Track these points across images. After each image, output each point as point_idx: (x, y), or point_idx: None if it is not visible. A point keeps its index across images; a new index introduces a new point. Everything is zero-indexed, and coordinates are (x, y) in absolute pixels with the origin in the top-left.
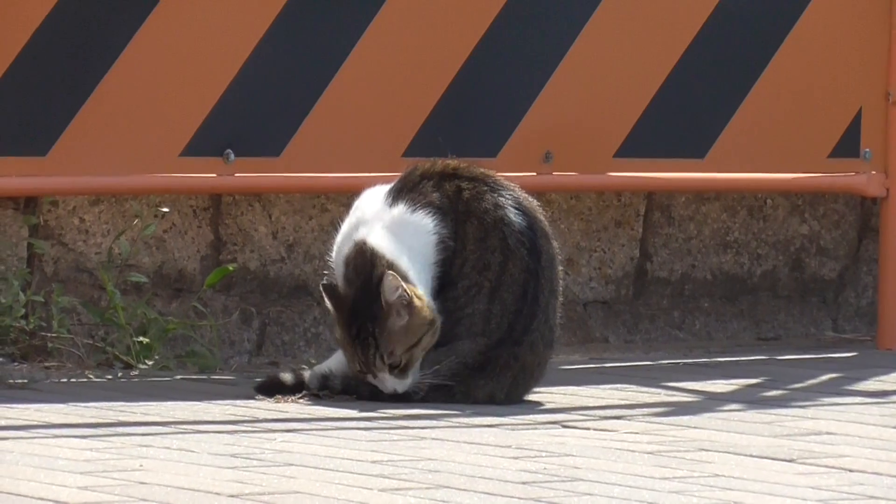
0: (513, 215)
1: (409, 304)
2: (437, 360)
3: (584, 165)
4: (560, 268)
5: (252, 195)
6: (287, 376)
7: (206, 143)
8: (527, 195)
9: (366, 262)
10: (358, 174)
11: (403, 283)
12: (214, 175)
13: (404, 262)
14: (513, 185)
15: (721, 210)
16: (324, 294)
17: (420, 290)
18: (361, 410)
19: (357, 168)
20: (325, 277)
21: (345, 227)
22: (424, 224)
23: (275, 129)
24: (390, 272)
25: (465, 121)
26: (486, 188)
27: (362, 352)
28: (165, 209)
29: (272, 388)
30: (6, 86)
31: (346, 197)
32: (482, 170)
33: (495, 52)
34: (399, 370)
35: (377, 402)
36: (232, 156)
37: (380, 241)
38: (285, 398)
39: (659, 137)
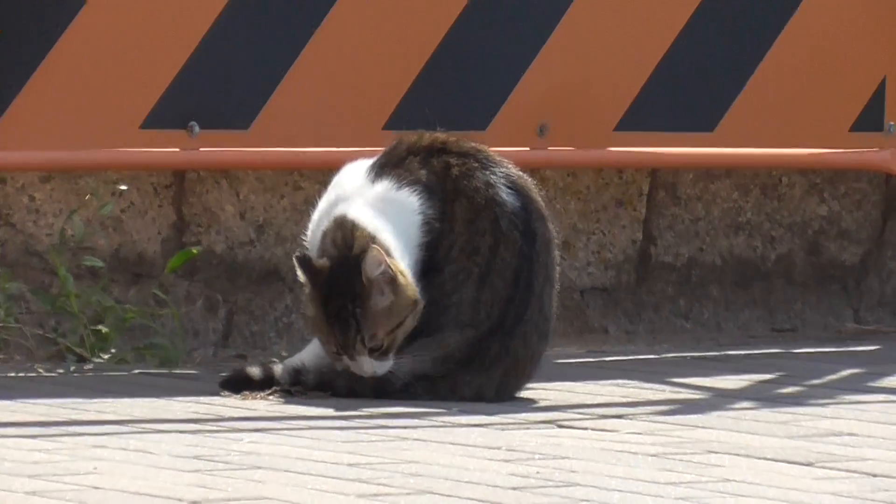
0: (505, 195)
1: (392, 281)
2: (420, 350)
3: (581, 139)
4: (556, 252)
5: (218, 171)
6: (256, 371)
7: (168, 115)
8: (521, 173)
9: (346, 236)
10: (335, 149)
11: (387, 259)
12: (177, 149)
13: (388, 237)
14: (506, 161)
15: (732, 188)
16: (297, 266)
17: (403, 266)
18: (337, 408)
19: (334, 142)
20: (297, 251)
21: (322, 203)
22: (409, 203)
23: (243, 99)
24: (374, 245)
25: (451, 90)
26: (476, 164)
27: (340, 332)
28: (123, 187)
29: (239, 384)
30: None
31: (321, 174)
32: (473, 144)
33: (484, 14)
34: (380, 353)
35: (355, 400)
36: (196, 128)
37: (361, 215)
38: (253, 395)
39: (664, 109)
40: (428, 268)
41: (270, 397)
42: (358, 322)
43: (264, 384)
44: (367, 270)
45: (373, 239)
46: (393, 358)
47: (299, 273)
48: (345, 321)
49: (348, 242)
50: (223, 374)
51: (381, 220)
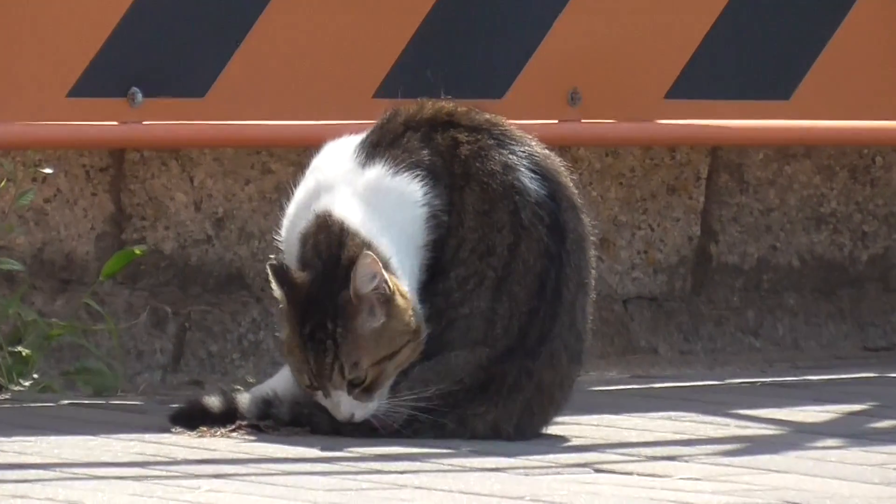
0: (528, 180)
1: (387, 301)
2: (421, 378)
3: (624, 109)
4: (592, 252)
5: (167, 150)
6: (215, 401)
7: (103, 80)
8: (548, 152)
9: (331, 241)
10: (314, 122)
11: (384, 271)
12: (115, 123)
13: (384, 245)
14: (528, 137)
15: (813, 171)
16: (271, 276)
17: (404, 286)
18: (318, 448)
19: (311, 113)
20: (272, 258)
21: (300, 193)
22: (410, 192)
23: (198, 60)
24: (369, 252)
25: (459, 48)
26: (491, 142)
27: (314, 359)
28: (48, 170)
29: (195, 418)
30: None
31: (296, 154)
32: (487, 116)
33: None
34: (362, 389)
35: (340, 438)
36: (139, 96)
37: (351, 212)
38: (212, 431)
39: (726, 71)
40: (432, 274)
41: (234, 434)
42: (337, 345)
43: (226, 418)
44: (357, 283)
45: (367, 245)
46: (379, 399)
47: (273, 285)
48: (320, 343)
49: (334, 250)
50: (174, 406)
51: (376, 218)
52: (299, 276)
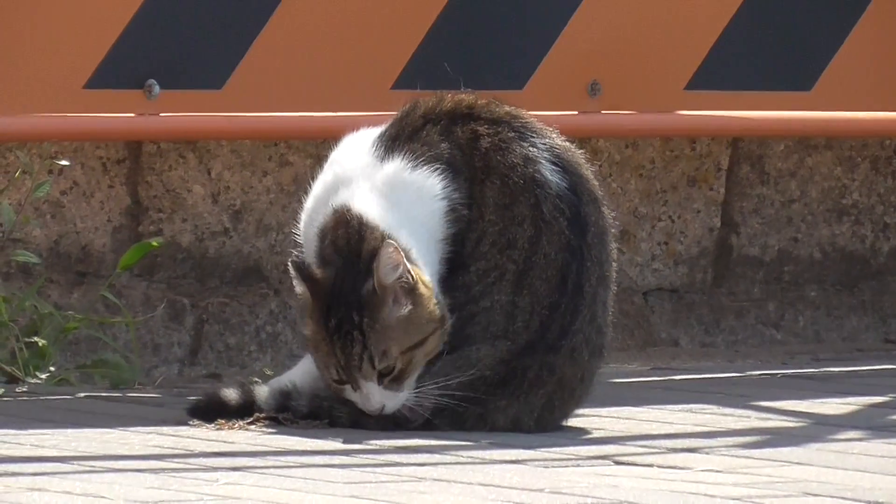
0: (549, 173)
1: (411, 290)
2: (442, 372)
3: (644, 101)
4: (613, 245)
5: (184, 142)
6: (233, 394)
7: (120, 72)
8: (568, 145)
9: (351, 235)
10: (332, 113)
11: (406, 261)
12: (132, 115)
13: (404, 237)
14: (549, 129)
15: (834, 162)
16: (294, 274)
17: (426, 276)
18: (337, 441)
19: (329, 105)
20: (294, 254)
21: (317, 188)
22: (430, 186)
23: (215, 51)
24: (391, 241)
25: (479, 39)
26: (512, 134)
27: (342, 351)
28: (64, 162)
29: (212, 411)
30: None
31: (314, 145)
32: (508, 109)
33: None
34: (391, 379)
35: (359, 431)
36: (156, 88)
37: (369, 207)
38: (230, 424)
39: (747, 62)
40: (452, 267)
41: (251, 427)
42: (364, 336)
43: (244, 411)
44: (381, 273)
45: (388, 237)
46: (408, 389)
47: (295, 282)
48: (347, 335)
49: (354, 245)
50: (192, 399)
51: (395, 212)
52: (321, 271)
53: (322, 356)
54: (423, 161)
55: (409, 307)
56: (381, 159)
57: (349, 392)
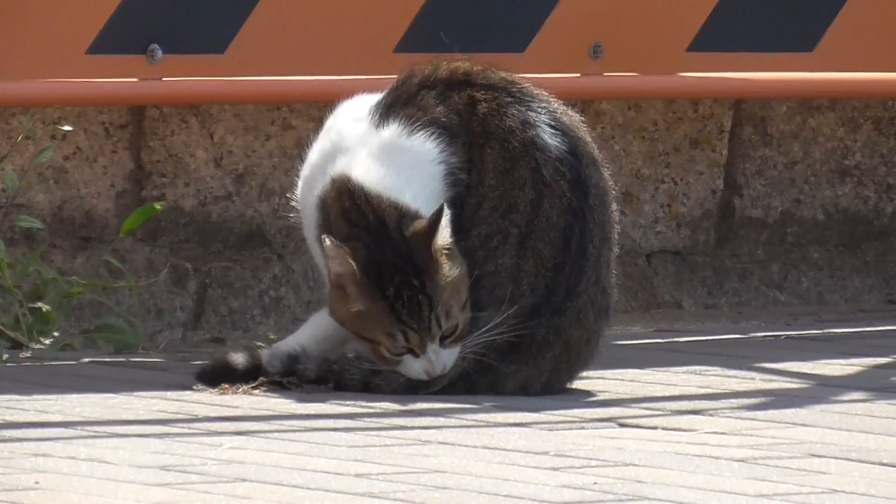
0: (548, 136)
1: (453, 252)
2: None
3: (646, 62)
4: (615, 207)
5: (187, 107)
6: (240, 358)
7: (122, 37)
8: (566, 109)
9: (360, 207)
10: (334, 77)
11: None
12: (135, 80)
13: (409, 201)
14: (546, 94)
15: (837, 123)
16: (334, 253)
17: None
18: (342, 405)
19: (332, 69)
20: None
21: (314, 154)
22: (427, 150)
23: (217, 15)
24: (445, 208)
25: (480, 2)
26: (509, 99)
27: (409, 316)
28: (68, 128)
29: (217, 375)
30: None
31: (317, 109)
32: (503, 75)
33: None
34: (454, 339)
35: (363, 395)
36: (159, 53)
37: (370, 175)
38: (234, 388)
39: (749, 23)
40: (453, 229)
41: (256, 392)
42: (430, 298)
43: (250, 375)
44: (439, 238)
45: (396, 205)
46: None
47: (337, 262)
48: (412, 300)
49: (365, 214)
50: (199, 363)
51: (395, 178)
52: (352, 246)
53: (381, 328)
54: (419, 126)
55: (457, 267)
56: (377, 126)
57: (408, 362)
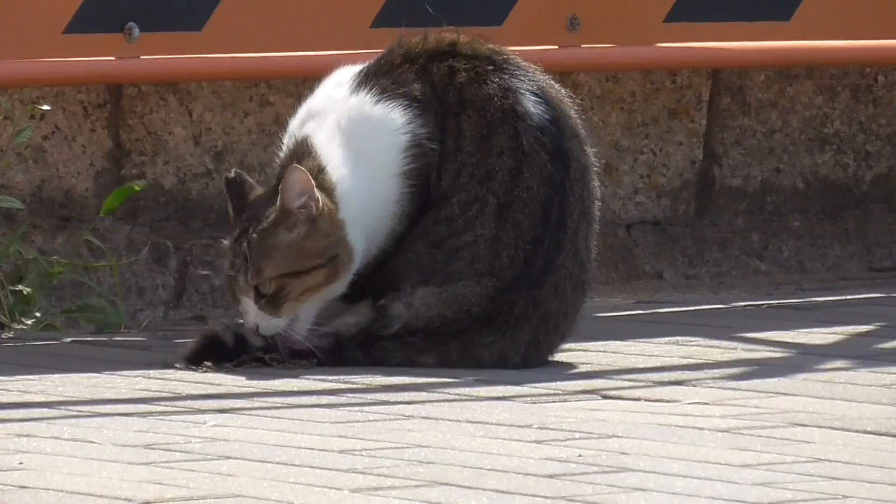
0: (530, 105)
1: (312, 221)
2: (426, 304)
3: (623, 34)
4: (596, 181)
5: (165, 84)
6: (227, 335)
7: (99, 15)
8: (552, 82)
9: (290, 162)
10: (311, 52)
11: (319, 194)
12: (112, 58)
13: (338, 171)
14: (532, 66)
15: (815, 92)
16: (225, 190)
17: (343, 214)
18: (324, 381)
19: (309, 44)
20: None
21: (294, 119)
22: (389, 120)
23: None
24: (299, 167)
25: None
26: (490, 67)
27: (231, 264)
28: (45, 107)
29: (199, 353)
30: None
31: (294, 84)
32: (491, 46)
33: None
34: (266, 302)
35: (347, 371)
36: (136, 31)
37: (325, 139)
38: (218, 367)
39: None
40: (425, 200)
41: (238, 369)
42: (249, 250)
43: (235, 353)
44: (285, 196)
45: (321, 169)
46: (288, 318)
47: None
48: (238, 248)
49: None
50: (179, 342)
51: (346, 145)
52: (255, 190)
53: (225, 269)
54: (388, 96)
55: (301, 235)
56: (350, 93)
57: (240, 308)
